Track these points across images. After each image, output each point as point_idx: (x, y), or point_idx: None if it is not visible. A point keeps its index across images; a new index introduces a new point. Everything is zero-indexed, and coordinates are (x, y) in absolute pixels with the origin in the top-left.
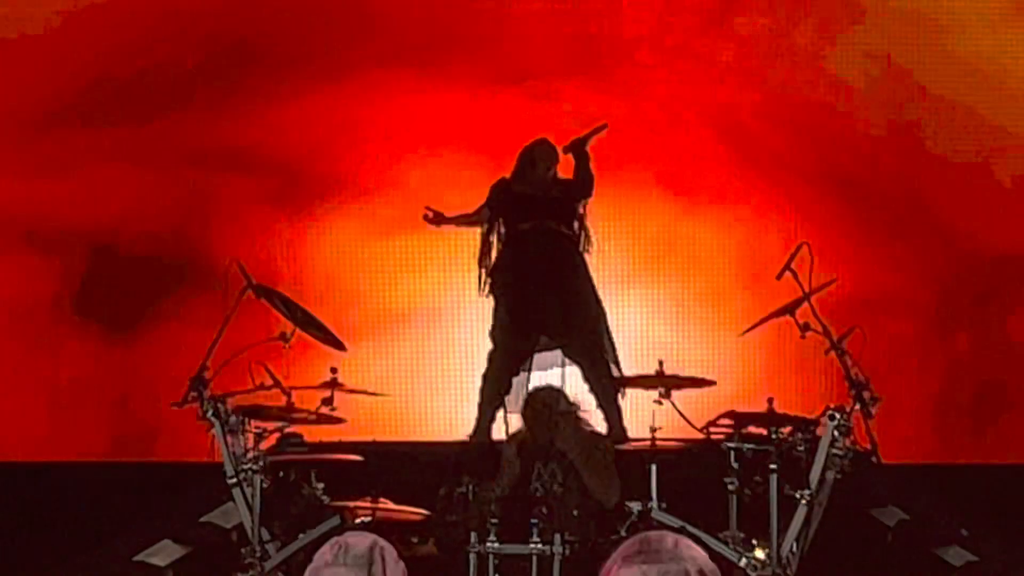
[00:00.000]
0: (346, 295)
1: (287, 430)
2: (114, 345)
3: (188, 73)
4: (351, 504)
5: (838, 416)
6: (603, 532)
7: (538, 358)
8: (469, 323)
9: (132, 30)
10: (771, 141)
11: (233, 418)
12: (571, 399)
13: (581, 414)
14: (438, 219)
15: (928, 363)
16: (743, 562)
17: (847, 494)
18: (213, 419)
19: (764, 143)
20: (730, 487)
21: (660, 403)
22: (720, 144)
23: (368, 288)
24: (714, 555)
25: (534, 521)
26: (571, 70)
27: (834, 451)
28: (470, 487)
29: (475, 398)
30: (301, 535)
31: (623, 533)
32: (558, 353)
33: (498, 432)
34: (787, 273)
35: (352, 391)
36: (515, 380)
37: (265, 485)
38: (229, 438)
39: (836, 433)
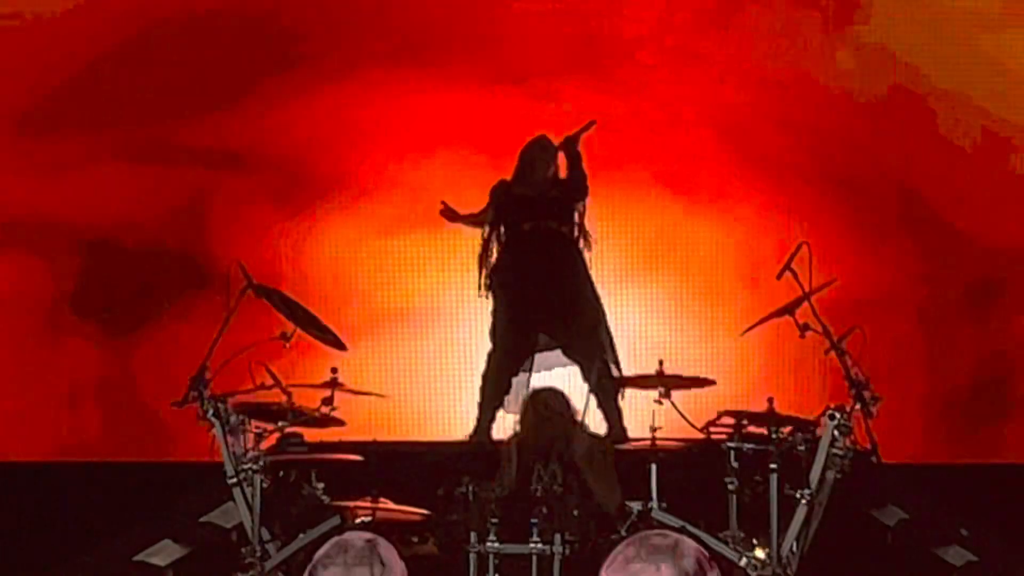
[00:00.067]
0: (347, 295)
1: (287, 430)
2: (114, 345)
3: (188, 73)
4: (351, 504)
5: (838, 416)
6: (603, 532)
7: (540, 358)
8: (469, 323)
9: (132, 30)
10: (771, 141)
11: (233, 418)
12: (571, 402)
13: (579, 417)
14: (451, 215)
15: (928, 363)
16: (743, 562)
17: (847, 494)
18: (213, 419)
19: (764, 143)
20: (730, 487)
21: (660, 403)
22: (720, 144)
23: (368, 288)
24: (714, 555)
25: (534, 521)
26: (571, 70)
27: (834, 451)
28: (470, 487)
29: (475, 398)
30: (301, 535)
31: (623, 533)
32: (560, 353)
33: (498, 432)
34: (787, 273)
35: (352, 391)
36: (515, 380)
37: (265, 485)
38: (229, 438)
39: (836, 433)
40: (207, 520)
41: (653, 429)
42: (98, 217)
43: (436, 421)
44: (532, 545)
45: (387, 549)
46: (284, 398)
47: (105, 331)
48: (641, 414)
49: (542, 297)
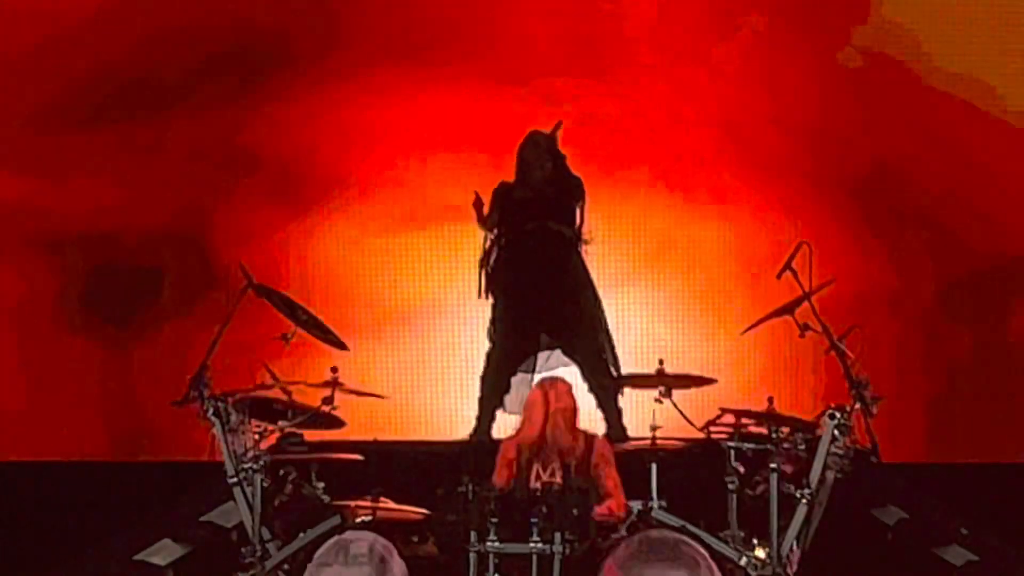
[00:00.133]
0: (347, 295)
1: (287, 429)
2: (114, 344)
3: (189, 73)
4: (351, 503)
5: (838, 415)
6: (603, 531)
7: (540, 358)
8: (470, 323)
9: (134, 30)
10: (771, 141)
11: (233, 417)
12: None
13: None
14: (479, 210)
15: (928, 362)
16: (743, 561)
17: (847, 493)
18: (213, 418)
19: (764, 143)
20: (730, 486)
21: (660, 402)
22: (720, 144)
23: (369, 288)
24: (714, 554)
25: (534, 520)
26: (572, 70)
27: (834, 450)
28: (470, 486)
29: (475, 397)
30: (301, 534)
31: (623, 532)
32: (559, 353)
33: (498, 432)
34: (787, 273)
35: (352, 392)
36: (515, 380)
37: (266, 484)
38: (229, 437)
39: (836, 432)
40: (207, 519)
41: (653, 428)
42: (99, 216)
43: (436, 421)
44: (532, 544)
45: (387, 549)
46: (284, 397)
47: (105, 331)
48: (641, 413)
49: (542, 297)
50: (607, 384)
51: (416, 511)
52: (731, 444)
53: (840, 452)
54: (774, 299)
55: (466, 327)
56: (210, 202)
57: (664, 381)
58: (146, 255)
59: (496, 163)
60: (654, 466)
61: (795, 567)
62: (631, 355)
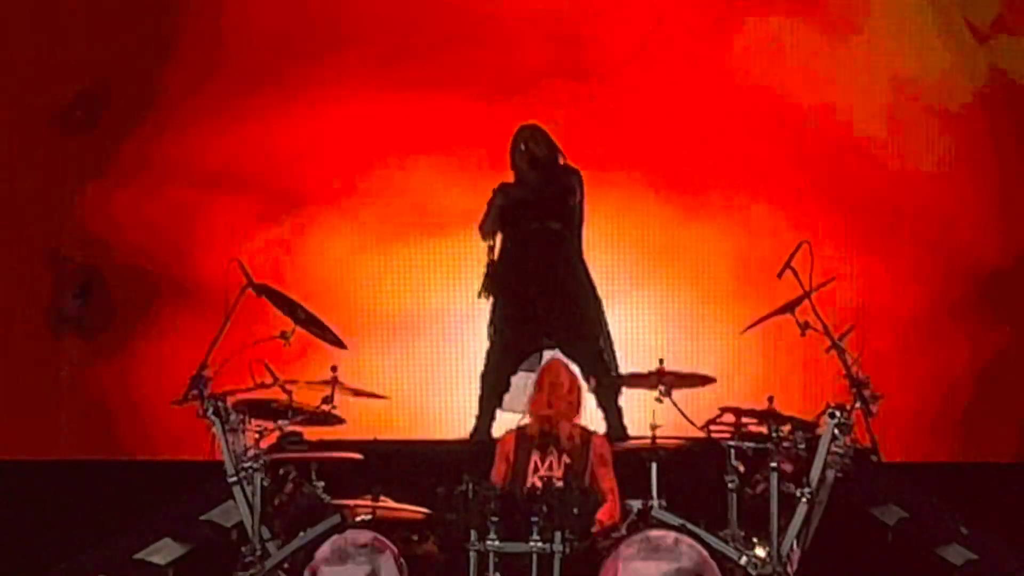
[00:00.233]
0: (347, 295)
1: (287, 428)
2: (114, 344)
3: (182, 84)
4: (351, 502)
5: (838, 414)
6: (603, 530)
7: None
8: (470, 322)
9: (121, 42)
10: (771, 144)
11: (233, 416)
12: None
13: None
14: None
15: (928, 361)
16: (743, 560)
17: (847, 492)
18: (213, 418)
19: (764, 145)
20: (730, 485)
21: (660, 401)
22: (720, 146)
23: (369, 288)
24: (714, 553)
25: (534, 519)
26: (568, 73)
27: (834, 449)
28: (470, 485)
29: (475, 397)
30: (302, 533)
31: (623, 531)
32: (559, 352)
33: (498, 431)
34: (787, 272)
35: (352, 391)
36: (514, 379)
37: (266, 484)
38: (229, 436)
39: (836, 431)
40: (207, 518)
41: (653, 427)
42: (91, 229)
43: (436, 420)
44: (532, 543)
45: (387, 547)
46: (284, 396)
47: (106, 330)
48: (641, 413)
49: (541, 297)
50: (607, 383)
51: (416, 510)
52: (731, 443)
53: (840, 451)
54: (774, 299)
55: (465, 327)
56: (204, 212)
57: (664, 380)
58: (139, 263)
59: (495, 166)
60: (654, 465)
61: (795, 566)
62: (631, 354)
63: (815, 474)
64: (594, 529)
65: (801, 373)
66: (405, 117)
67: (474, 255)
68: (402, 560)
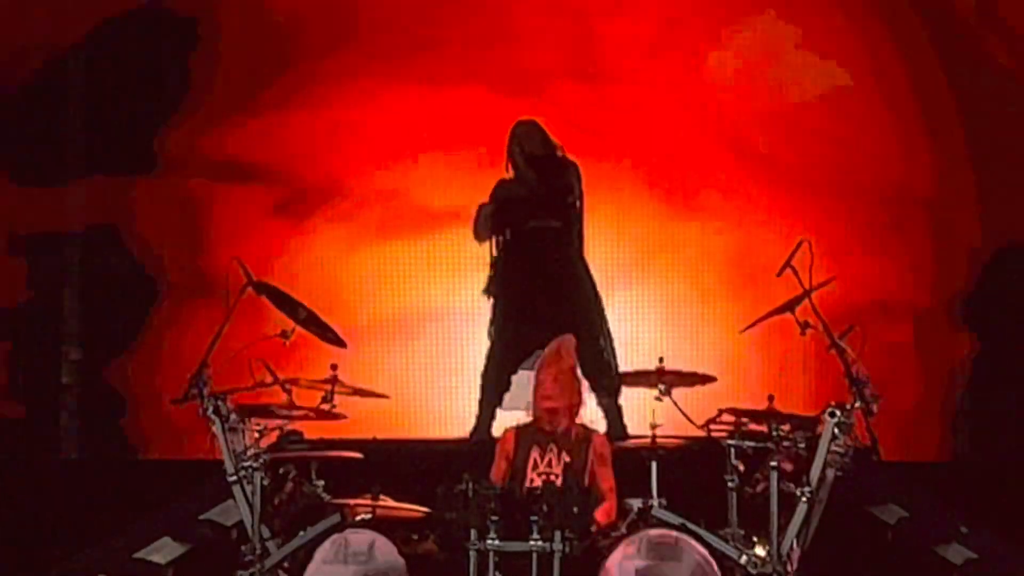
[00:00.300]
0: (348, 294)
1: (287, 427)
2: (114, 343)
3: (185, 80)
4: (351, 502)
5: (838, 413)
6: (603, 530)
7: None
8: (470, 321)
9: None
10: (770, 141)
11: (233, 416)
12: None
13: None
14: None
15: (928, 361)
16: (743, 559)
17: (847, 491)
18: (213, 417)
19: (763, 143)
20: (730, 484)
21: (660, 400)
22: (719, 144)
23: (370, 287)
24: (715, 552)
25: (534, 518)
26: (569, 71)
27: (834, 448)
28: (470, 484)
29: (475, 396)
30: (301, 533)
31: (623, 530)
32: None
33: (498, 430)
34: (787, 271)
35: (352, 390)
36: (514, 378)
37: (265, 483)
38: (229, 435)
39: (836, 430)
40: (207, 518)
41: (653, 426)
42: (96, 223)
43: (436, 419)
44: (532, 542)
45: (387, 547)
46: (283, 396)
47: (107, 329)
48: (641, 411)
49: (541, 295)
50: (607, 382)
51: (416, 509)
52: (731, 442)
53: (840, 450)
54: (774, 298)
55: (466, 325)
56: (206, 209)
57: (664, 379)
58: (148, 254)
59: (497, 164)
60: (654, 464)
61: (795, 565)
62: (631, 354)
63: (815, 473)
64: (594, 528)
65: (801, 372)
66: (408, 116)
67: (475, 253)
68: (402, 559)
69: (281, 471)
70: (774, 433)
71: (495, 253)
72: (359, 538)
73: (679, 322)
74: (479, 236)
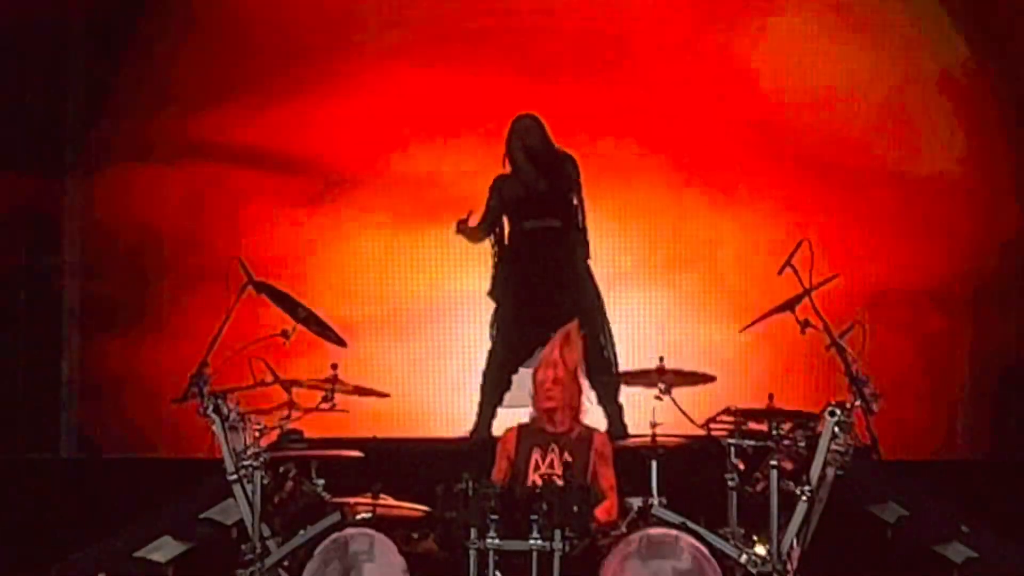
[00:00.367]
0: (348, 293)
1: (288, 426)
2: (115, 342)
3: (192, 68)
4: (351, 500)
5: (838, 412)
6: (603, 529)
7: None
8: (470, 320)
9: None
10: (776, 138)
11: (233, 415)
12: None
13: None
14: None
15: (928, 360)
16: (744, 558)
17: (847, 490)
18: (213, 416)
19: (768, 140)
20: (730, 483)
21: (660, 399)
22: (724, 141)
23: (370, 286)
24: (715, 551)
25: (534, 517)
26: (575, 67)
27: (834, 447)
28: (470, 483)
29: (475, 395)
30: (301, 531)
31: (624, 529)
32: None
33: (498, 429)
34: (788, 269)
35: (352, 389)
36: (515, 377)
37: (265, 481)
38: (229, 434)
39: (836, 429)
40: (207, 516)
41: (653, 425)
42: (101, 213)
43: (436, 418)
44: (532, 541)
45: (386, 545)
46: (283, 395)
47: (106, 328)
48: (642, 410)
49: (543, 294)
50: (607, 380)
51: (416, 508)
52: (731, 441)
53: (840, 449)
54: (775, 297)
55: (466, 324)
56: (213, 197)
57: (664, 378)
58: (148, 253)
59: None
60: (654, 463)
61: (795, 564)
62: (631, 353)
63: (815, 472)
64: (594, 526)
65: (802, 371)
66: (412, 110)
67: (477, 251)
68: (402, 558)
69: (281, 470)
70: (774, 432)
71: (495, 253)
72: (359, 537)
73: (679, 321)
74: (474, 239)
